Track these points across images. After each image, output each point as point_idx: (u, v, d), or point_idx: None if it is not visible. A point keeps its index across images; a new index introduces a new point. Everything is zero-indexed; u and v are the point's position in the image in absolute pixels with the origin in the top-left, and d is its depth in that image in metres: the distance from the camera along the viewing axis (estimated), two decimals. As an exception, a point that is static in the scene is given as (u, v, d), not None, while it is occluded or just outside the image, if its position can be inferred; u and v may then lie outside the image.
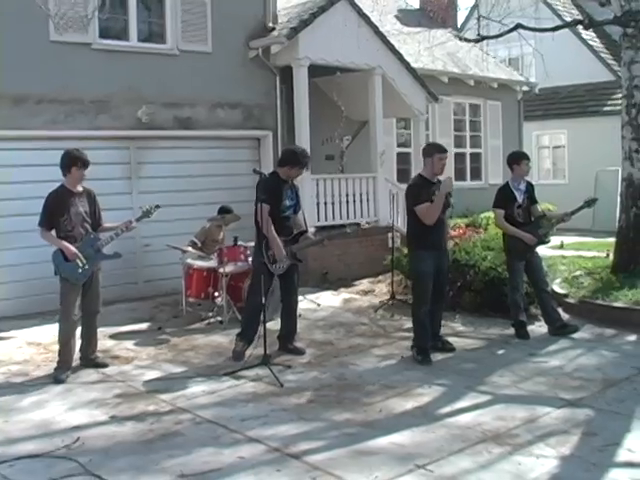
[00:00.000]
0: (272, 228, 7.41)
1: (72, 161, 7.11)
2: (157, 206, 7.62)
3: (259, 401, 6.23)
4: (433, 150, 7.62)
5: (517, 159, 8.58)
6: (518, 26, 10.00)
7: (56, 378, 6.93)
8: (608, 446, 5.15)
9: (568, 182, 21.15)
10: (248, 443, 5.28)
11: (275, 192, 7.45)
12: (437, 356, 7.60)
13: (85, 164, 7.16)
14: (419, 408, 6.01)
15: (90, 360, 7.40)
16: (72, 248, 7.00)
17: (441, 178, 7.65)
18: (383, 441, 5.27)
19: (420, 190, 7.43)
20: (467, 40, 10.99)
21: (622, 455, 5.03)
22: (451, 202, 7.64)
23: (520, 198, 8.44)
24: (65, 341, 7.13)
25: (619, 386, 6.53)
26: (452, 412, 5.91)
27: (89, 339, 7.44)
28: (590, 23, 10.12)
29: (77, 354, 7.39)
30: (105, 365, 7.39)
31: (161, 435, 5.47)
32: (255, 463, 4.92)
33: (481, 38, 10.47)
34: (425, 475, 4.71)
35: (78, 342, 7.39)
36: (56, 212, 7.06)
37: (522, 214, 8.44)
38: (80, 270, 7.06)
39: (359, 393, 6.41)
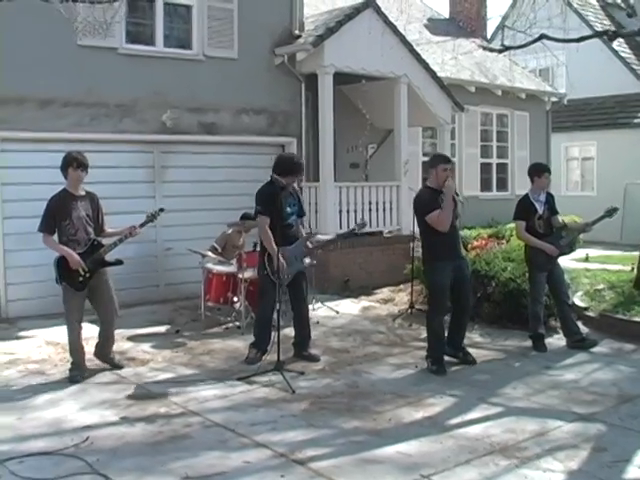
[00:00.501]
0: (272, 241, 7.40)
1: (68, 162, 7.06)
2: (161, 209, 7.52)
3: (269, 406, 6.25)
4: (437, 161, 7.62)
5: (538, 171, 8.53)
6: (542, 37, 9.94)
7: (71, 379, 7.02)
8: (618, 462, 5.09)
9: (597, 194, 20.95)
10: (255, 448, 5.30)
11: (274, 201, 7.40)
12: (452, 367, 7.57)
13: (80, 165, 7.05)
14: (429, 418, 5.99)
15: (106, 357, 7.44)
16: (75, 256, 6.93)
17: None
18: (390, 450, 5.26)
19: (428, 199, 7.44)
20: (491, 50, 10.95)
21: (631, 472, 4.96)
22: (458, 213, 7.59)
23: (540, 209, 8.39)
24: (72, 344, 7.18)
25: (634, 402, 6.44)
26: (462, 423, 5.88)
27: (106, 340, 7.46)
28: (615, 34, 10.05)
29: (91, 350, 7.48)
30: (120, 367, 7.42)
31: (170, 437, 5.52)
32: (260, 468, 4.94)
33: (505, 48, 10.43)
34: (429, 485, 4.70)
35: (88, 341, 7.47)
36: (58, 216, 6.98)
37: (543, 225, 8.40)
38: (81, 279, 7.02)
39: (370, 401, 6.41)
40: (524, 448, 5.33)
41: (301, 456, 5.13)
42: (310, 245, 8.03)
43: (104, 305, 7.26)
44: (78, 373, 7.08)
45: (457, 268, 7.50)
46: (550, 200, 8.53)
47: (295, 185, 7.71)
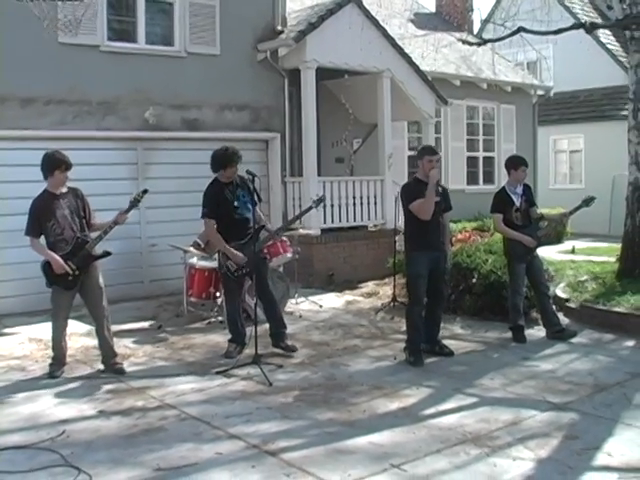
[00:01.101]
0: (221, 239, 7.53)
1: (56, 164, 7.00)
2: (145, 191, 7.32)
3: (246, 399, 6.29)
4: (423, 153, 7.73)
5: (515, 164, 8.57)
6: (520, 29, 9.98)
7: (50, 374, 7.06)
8: (588, 450, 5.14)
9: (585, 187, 20.98)
10: (228, 439, 5.35)
11: (218, 200, 7.44)
12: (430, 358, 7.62)
13: (68, 167, 7.05)
14: (403, 409, 6.04)
15: (109, 367, 7.21)
16: (59, 260, 6.88)
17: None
18: (362, 440, 5.30)
19: (413, 189, 7.58)
20: (470, 43, 10.98)
21: (600, 459, 5.01)
22: (448, 205, 7.68)
23: (518, 202, 8.43)
24: (56, 340, 7.19)
25: (609, 391, 6.49)
26: (436, 413, 5.93)
27: (102, 344, 7.27)
28: (592, 26, 10.08)
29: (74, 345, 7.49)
30: (123, 372, 7.12)
31: (144, 430, 5.56)
32: (232, 459, 4.99)
33: (484, 41, 10.47)
34: (398, 474, 4.74)
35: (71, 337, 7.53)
36: (42, 218, 6.96)
37: (520, 217, 8.43)
38: (70, 278, 7.01)
39: (346, 393, 6.45)
40: (496, 437, 5.37)
41: (273, 447, 5.17)
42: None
43: (92, 302, 7.20)
44: (57, 369, 7.11)
45: (434, 260, 7.56)
46: (527, 192, 8.57)
47: (245, 176, 7.52)
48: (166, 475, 4.73)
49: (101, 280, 7.22)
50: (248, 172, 7.41)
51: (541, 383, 6.73)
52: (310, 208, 8.40)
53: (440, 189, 7.68)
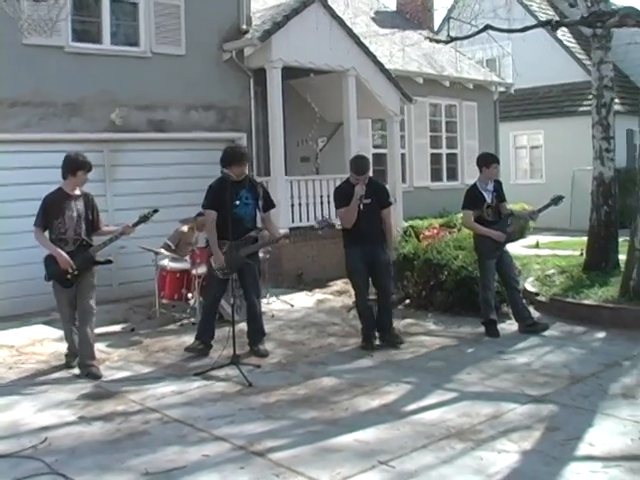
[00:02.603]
0: (214, 234, 7.57)
1: (80, 165, 7.26)
2: (155, 210, 7.54)
3: (227, 400, 6.27)
4: (352, 168, 8.13)
5: (487, 162, 8.65)
6: (487, 27, 10.09)
7: (66, 364, 7.42)
8: (570, 440, 5.22)
9: (545, 182, 21.33)
10: (214, 441, 5.33)
11: (220, 195, 7.46)
12: (405, 355, 7.71)
13: (90, 169, 7.38)
14: (385, 406, 6.07)
15: (84, 368, 7.16)
16: (64, 255, 7.04)
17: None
18: (347, 438, 5.32)
19: (344, 193, 8.05)
20: (438, 41, 11.07)
21: (583, 449, 5.10)
22: (374, 203, 8.08)
23: (489, 198, 8.52)
24: (67, 334, 7.46)
25: (585, 382, 6.61)
26: (418, 409, 5.97)
27: (82, 340, 7.26)
28: (557, 24, 10.24)
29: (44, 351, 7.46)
30: (98, 377, 7.04)
31: (128, 434, 5.51)
32: (219, 461, 4.97)
33: (451, 39, 10.56)
34: (387, 471, 4.76)
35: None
36: (51, 214, 7.12)
37: (492, 213, 8.52)
38: (69, 276, 7.12)
39: (326, 392, 6.47)
40: (479, 431, 5.43)
41: (260, 448, 5.17)
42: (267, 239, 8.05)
43: (82, 300, 7.27)
44: (72, 359, 7.40)
45: (369, 253, 7.96)
46: (498, 188, 8.67)
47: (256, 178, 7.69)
48: (155, 479, 4.69)
49: (95, 280, 7.41)
50: (223, 172, 7.40)
51: (518, 376, 6.81)
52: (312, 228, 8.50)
53: (371, 188, 8.01)
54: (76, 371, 7.28)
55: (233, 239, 7.47)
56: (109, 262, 7.54)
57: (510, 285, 8.68)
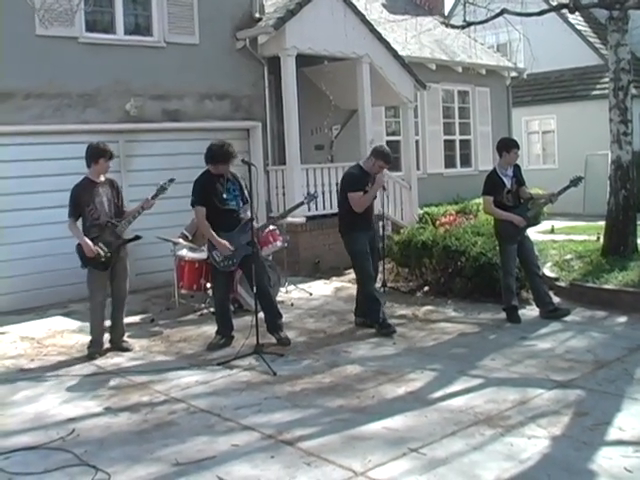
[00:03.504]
0: (209, 228, 7.56)
1: (102, 152, 7.46)
2: (171, 180, 7.76)
3: (252, 390, 6.26)
4: (379, 156, 8.14)
5: (508, 147, 8.58)
6: (504, 11, 10.01)
7: (89, 355, 7.48)
8: (599, 425, 5.19)
9: (558, 167, 21.20)
10: (242, 431, 5.32)
11: (207, 189, 7.48)
12: (429, 342, 7.68)
13: (112, 156, 7.60)
14: (411, 393, 6.05)
15: (116, 344, 7.73)
16: (89, 244, 7.28)
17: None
18: (376, 426, 5.30)
19: (358, 179, 8.11)
20: (453, 26, 10.98)
21: (613, 434, 5.07)
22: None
23: (509, 184, 8.47)
24: (94, 322, 7.60)
25: (610, 367, 6.57)
26: (444, 396, 5.95)
27: (116, 323, 7.77)
28: (575, 6, 10.13)
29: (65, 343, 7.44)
30: (129, 349, 7.70)
31: (155, 425, 5.51)
32: (249, 450, 4.95)
33: (467, 24, 10.47)
34: (418, 458, 4.74)
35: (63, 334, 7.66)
36: (82, 202, 7.36)
37: (511, 198, 8.48)
38: (103, 259, 7.39)
39: (352, 379, 6.45)
40: (507, 417, 5.40)
41: (289, 437, 5.15)
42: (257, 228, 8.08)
43: (117, 284, 7.66)
44: (95, 350, 7.52)
45: (371, 238, 8.29)
46: (517, 172, 8.61)
47: (237, 173, 7.69)
48: (186, 469, 4.68)
49: (128, 265, 7.79)
50: (244, 161, 7.36)
51: (542, 362, 6.78)
52: (301, 203, 8.60)
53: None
54: (99, 362, 7.32)
55: (228, 229, 7.48)
56: (138, 238, 7.86)
57: (531, 271, 8.63)
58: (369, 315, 8.25)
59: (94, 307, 7.58)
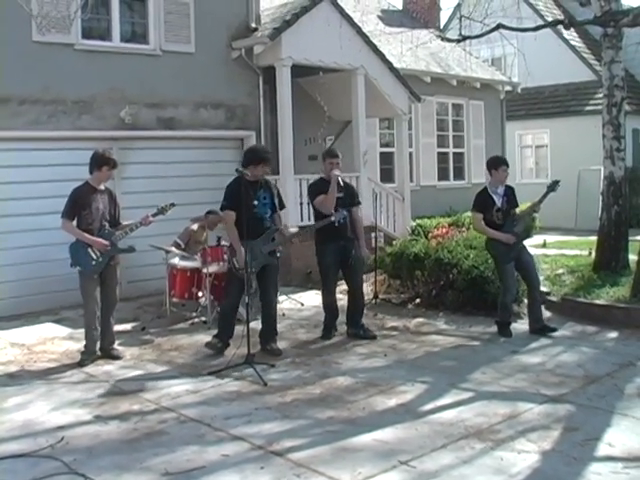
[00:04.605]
0: (236, 234, 7.56)
1: (105, 161, 7.61)
2: (172, 204, 8.00)
3: (243, 400, 6.25)
4: (325, 155, 8.57)
5: (495, 164, 8.60)
6: (499, 26, 10.07)
7: (80, 363, 7.46)
8: (589, 441, 5.20)
9: (550, 181, 21.19)
10: (232, 441, 5.30)
11: (239, 195, 7.43)
12: (420, 354, 7.69)
13: (115, 166, 7.77)
14: (402, 405, 6.05)
15: (106, 351, 7.72)
16: (100, 240, 7.44)
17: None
18: (366, 438, 5.30)
19: (318, 187, 8.42)
20: (449, 40, 11.03)
21: (602, 449, 5.08)
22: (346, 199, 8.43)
23: (499, 202, 8.44)
24: (88, 329, 7.57)
25: (600, 382, 6.60)
26: (435, 409, 5.95)
27: (105, 330, 7.73)
28: (570, 23, 10.21)
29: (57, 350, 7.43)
30: (119, 357, 7.68)
31: (145, 434, 5.48)
32: (239, 461, 4.94)
33: (463, 38, 10.52)
34: (408, 471, 4.74)
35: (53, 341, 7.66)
36: (79, 205, 7.46)
37: (502, 217, 8.44)
38: (94, 262, 7.46)
39: (342, 391, 6.45)
40: (497, 431, 5.41)
41: (279, 447, 5.14)
42: (282, 237, 8.07)
43: (108, 290, 7.68)
44: (87, 358, 7.50)
45: (341, 249, 8.30)
46: (509, 193, 8.57)
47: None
48: (176, 479, 4.67)
49: (119, 273, 7.90)
50: (238, 171, 7.39)
51: (532, 376, 6.80)
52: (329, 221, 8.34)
53: (343, 185, 8.42)
54: (89, 370, 7.29)
55: (253, 238, 7.45)
56: (132, 250, 7.94)
57: (532, 285, 8.58)
58: (324, 321, 8.61)
59: (89, 314, 7.58)
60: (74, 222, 7.50)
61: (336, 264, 8.40)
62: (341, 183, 8.34)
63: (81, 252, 7.46)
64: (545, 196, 8.53)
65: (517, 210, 8.67)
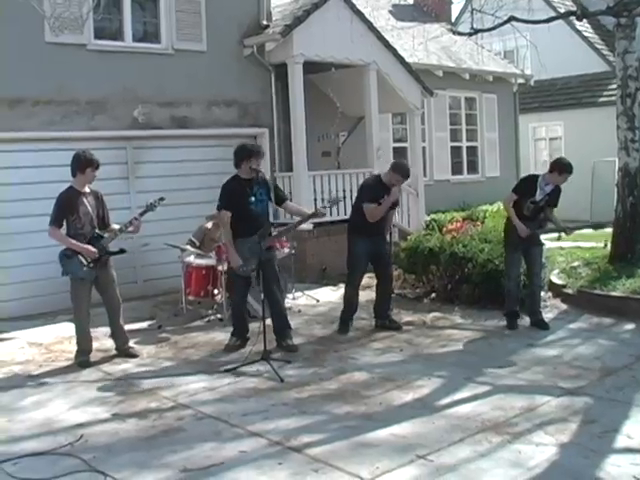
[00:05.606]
0: (230, 234, 7.63)
1: (89, 162, 7.37)
2: (161, 199, 7.76)
3: (260, 396, 6.27)
4: (397, 170, 8.34)
5: (562, 169, 8.23)
6: (511, 18, 10.03)
7: (80, 364, 7.42)
8: (607, 433, 5.19)
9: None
10: (249, 437, 5.32)
11: (235, 194, 7.51)
12: (435, 349, 7.69)
13: (98, 166, 7.46)
14: (419, 400, 6.05)
15: (122, 350, 7.77)
16: (88, 247, 7.28)
17: None
18: (383, 433, 5.30)
19: (375, 190, 8.31)
20: (460, 34, 11.00)
21: (621, 441, 5.07)
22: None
23: (538, 197, 8.25)
24: (80, 333, 7.55)
25: (617, 374, 6.57)
26: (451, 403, 5.95)
27: (116, 332, 7.77)
28: (583, 14, 10.15)
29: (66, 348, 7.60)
30: (136, 355, 7.71)
31: (163, 431, 5.52)
32: (257, 457, 4.96)
33: (475, 31, 10.47)
34: (425, 465, 4.74)
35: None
36: (67, 211, 7.30)
37: (531, 211, 8.25)
38: (85, 268, 7.32)
39: (359, 386, 6.45)
40: (515, 424, 5.41)
41: (296, 443, 5.16)
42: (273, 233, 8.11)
43: (108, 294, 7.61)
44: (84, 357, 7.47)
45: (374, 243, 8.39)
46: (554, 193, 8.35)
47: (265, 175, 7.72)
48: (194, 476, 4.69)
49: (114, 274, 7.69)
50: (251, 168, 7.42)
51: (549, 369, 6.78)
52: (324, 208, 8.55)
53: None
54: (107, 368, 7.35)
55: (251, 234, 7.45)
56: (122, 252, 7.74)
57: (532, 280, 8.59)
58: (341, 311, 8.69)
59: (79, 319, 7.51)
60: (63, 229, 7.37)
61: (367, 256, 8.45)
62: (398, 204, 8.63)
63: (71, 260, 7.31)
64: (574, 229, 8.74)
65: (554, 214, 8.57)
